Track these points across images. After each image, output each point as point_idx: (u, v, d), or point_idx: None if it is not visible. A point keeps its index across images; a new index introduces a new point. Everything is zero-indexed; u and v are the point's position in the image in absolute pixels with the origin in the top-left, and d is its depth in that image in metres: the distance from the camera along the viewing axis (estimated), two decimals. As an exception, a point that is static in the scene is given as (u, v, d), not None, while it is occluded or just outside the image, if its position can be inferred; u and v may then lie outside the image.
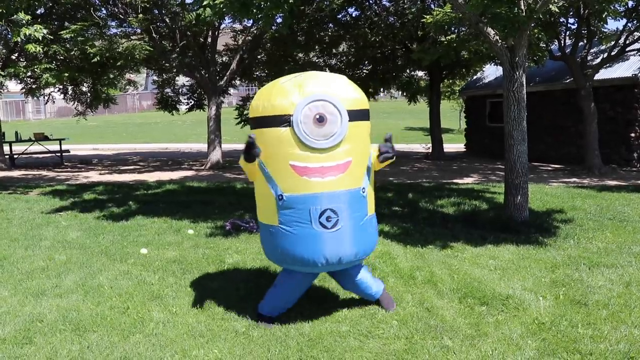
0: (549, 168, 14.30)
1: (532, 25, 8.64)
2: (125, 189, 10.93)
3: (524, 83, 6.89)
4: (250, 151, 3.81)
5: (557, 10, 7.94)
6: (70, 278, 5.26)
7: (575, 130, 14.57)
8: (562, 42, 12.88)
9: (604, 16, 9.41)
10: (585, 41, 13.08)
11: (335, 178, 3.79)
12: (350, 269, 4.19)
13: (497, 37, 6.79)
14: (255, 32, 15.42)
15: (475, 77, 19.16)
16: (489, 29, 6.78)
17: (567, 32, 13.21)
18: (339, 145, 3.79)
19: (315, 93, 3.76)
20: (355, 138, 3.88)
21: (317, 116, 3.73)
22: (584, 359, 3.52)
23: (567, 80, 14.45)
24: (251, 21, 13.07)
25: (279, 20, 12.86)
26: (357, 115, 3.89)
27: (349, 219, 3.84)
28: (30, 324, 4.20)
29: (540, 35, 8.22)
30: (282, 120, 3.77)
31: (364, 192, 3.93)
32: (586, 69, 12.87)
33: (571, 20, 12.96)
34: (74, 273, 5.42)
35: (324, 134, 3.75)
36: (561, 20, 12.34)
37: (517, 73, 6.78)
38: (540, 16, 7.35)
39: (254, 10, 6.39)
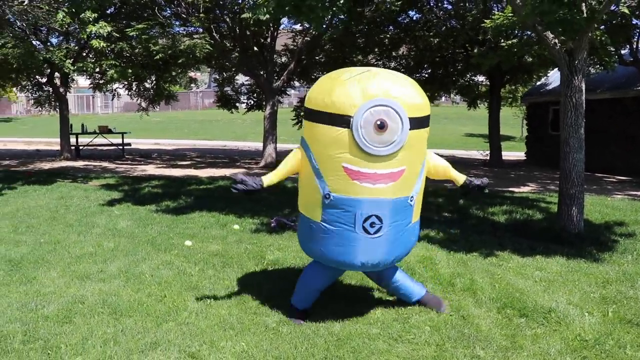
0: (614, 179, 13.68)
1: (595, 27, 8.29)
2: (179, 183, 11.19)
3: (583, 88, 6.61)
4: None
5: (627, 11, 7.58)
6: (115, 264, 5.42)
7: (646, 140, 13.89)
8: (635, 46, 12.27)
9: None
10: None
11: (386, 186, 3.69)
12: (387, 270, 4.16)
13: (556, 40, 6.54)
14: (313, 33, 15.48)
15: (538, 83, 18.58)
16: (548, 32, 6.55)
17: (640, 35, 12.59)
18: (396, 154, 3.68)
19: (379, 97, 3.61)
20: (413, 146, 3.75)
21: (378, 122, 3.59)
22: (626, 379, 3.33)
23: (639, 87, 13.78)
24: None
25: (336, 20, 12.91)
26: (419, 122, 3.75)
27: (392, 227, 3.77)
28: (73, 304, 4.35)
29: (603, 38, 7.81)
30: (341, 121, 3.64)
31: (411, 200, 3.84)
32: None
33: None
34: (119, 260, 5.58)
35: (383, 141, 3.62)
36: (634, 22, 11.75)
37: (576, 78, 6.52)
38: (604, 17, 6.99)
39: (305, 11, 6.39)
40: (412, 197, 3.82)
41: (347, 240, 3.76)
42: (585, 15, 6.20)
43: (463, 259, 5.73)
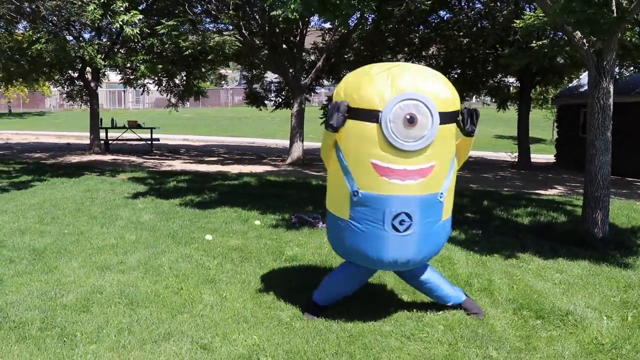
0: (645, 185, 13.36)
1: (627, 28, 8.11)
2: (204, 179, 11.30)
3: (612, 90, 6.46)
4: (334, 114, 3.64)
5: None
6: (135, 256, 5.50)
7: (681, 145, 13.51)
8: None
9: None
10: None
11: (415, 182, 3.61)
12: (417, 269, 4.08)
13: (584, 41, 6.42)
14: (343, 31, 15.47)
15: (570, 85, 18.25)
16: (576, 32, 6.43)
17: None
18: (426, 149, 3.60)
19: (408, 91, 3.55)
20: (443, 141, 3.67)
21: (408, 116, 3.52)
22: (642, 385, 3.26)
23: (674, 91, 13.44)
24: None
25: (367, 17, 12.86)
26: (448, 117, 3.67)
27: (422, 224, 3.69)
28: (91, 294, 4.44)
29: (634, 39, 7.61)
30: (370, 116, 3.58)
31: (441, 197, 3.74)
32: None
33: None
34: (139, 252, 5.67)
35: (413, 135, 3.55)
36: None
37: (604, 79, 6.37)
38: (636, 17, 6.82)
39: (331, 8, 6.38)
40: (441, 193, 3.74)
41: (376, 239, 3.70)
42: (615, 14, 6.07)
43: (482, 260, 5.67)
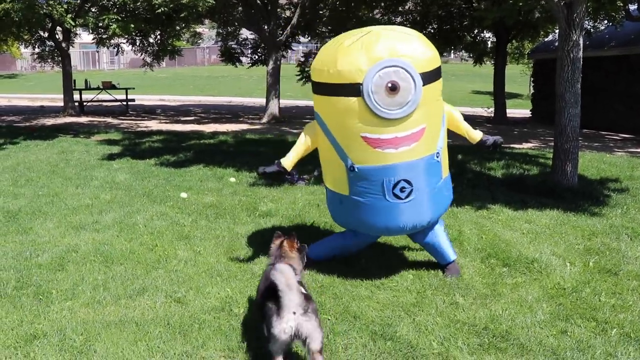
0: (618, 137, 13.58)
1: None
2: (180, 138, 11.24)
3: (581, 43, 6.52)
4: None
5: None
6: (110, 216, 5.53)
7: (652, 98, 13.70)
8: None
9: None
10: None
11: (409, 148, 3.59)
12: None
13: (554, -8, 6.44)
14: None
15: (546, 40, 18.26)
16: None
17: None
18: (413, 113, 3.55)
19: (385, 57, 3.47)
20: (429, 101, 3.62)
21: (390, 84, 3.46)
22: (599, 326, 3.41)
23: (647, 45, 13.53)
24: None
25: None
26: (431, 76, 3.59)
27: (423, 188, 3.69)
28: (66, 253, 4.48)
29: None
30: (351, 90, 3.51)
31: (438, 157, 3.73)
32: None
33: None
34: (114, 211, 5.69)
35: (398, 103, 3.49)
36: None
37: (574, 32, 6.41)
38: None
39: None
40: (437, 153, 3.73)
41: (381, 209, 3.70)
42: (585, -35, 6.08)
43: (454, 212, 5.79)
